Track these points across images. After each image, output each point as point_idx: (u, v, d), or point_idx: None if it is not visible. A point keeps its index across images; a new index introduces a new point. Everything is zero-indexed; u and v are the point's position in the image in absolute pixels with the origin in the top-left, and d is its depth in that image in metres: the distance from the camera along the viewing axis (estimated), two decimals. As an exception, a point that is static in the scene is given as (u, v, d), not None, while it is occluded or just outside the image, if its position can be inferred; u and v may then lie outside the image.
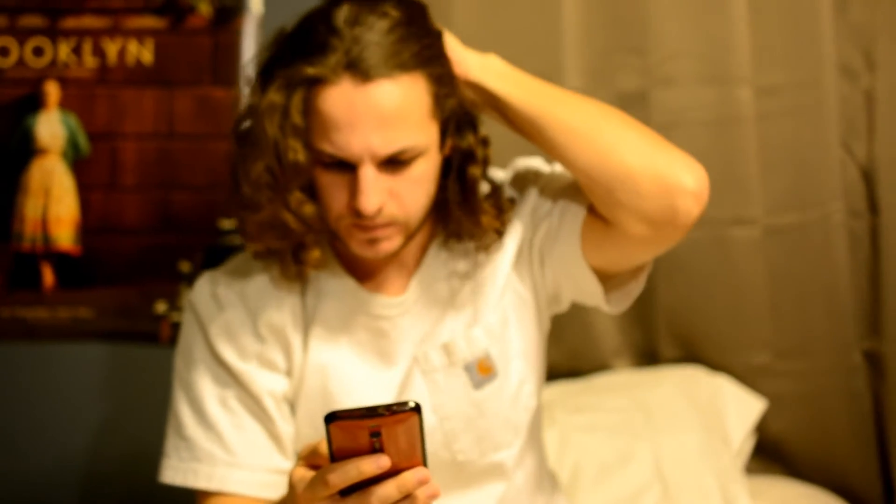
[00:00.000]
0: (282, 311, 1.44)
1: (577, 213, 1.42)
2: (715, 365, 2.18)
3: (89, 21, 2.17)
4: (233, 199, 1.37)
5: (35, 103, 2.18)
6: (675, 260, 2.14)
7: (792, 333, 2.15)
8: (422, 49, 1.30)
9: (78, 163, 2.18)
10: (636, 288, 1.47)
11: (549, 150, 1.39)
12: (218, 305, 1.45)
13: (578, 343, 2.20)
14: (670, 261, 2.14)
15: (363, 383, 1.45)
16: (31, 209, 2.18)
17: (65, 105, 2.17)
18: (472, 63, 1.40)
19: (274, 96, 1.28)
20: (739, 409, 2.12)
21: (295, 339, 1.44)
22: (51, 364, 2.24)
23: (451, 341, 1.44)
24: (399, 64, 1.27)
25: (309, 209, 1.33)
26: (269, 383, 1.44)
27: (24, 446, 2.25)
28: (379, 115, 1.27)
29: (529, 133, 1.40)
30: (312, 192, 1.35)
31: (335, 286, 1.45)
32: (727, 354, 2.18)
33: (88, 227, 2.19)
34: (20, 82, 2.18)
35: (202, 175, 2.15)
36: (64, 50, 2.17)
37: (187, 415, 1.44)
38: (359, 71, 1.25)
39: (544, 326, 1.54)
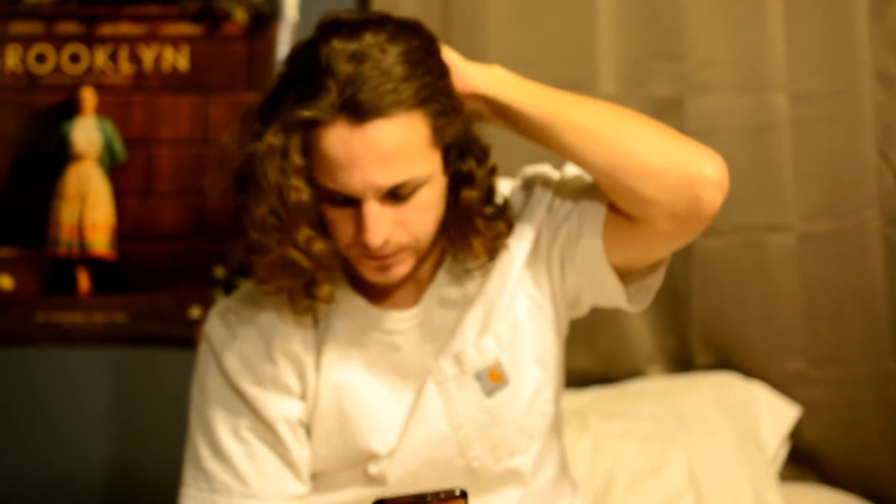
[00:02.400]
0: (294, 334, 1.45)
1: (597, 214, 1.41)
2: (749, 372, 2.18)
3: (126, 28, 2.18)
4: (240, 245, 1.37)
5: (71, 109, 2.19)
6: (710, 267, 2.14)
7: (827, 341, 2.15)
8: (420, 87, 1.28)
9: (114, 169, 2.20)
10: (656, 282, 1.47)
11: (565, 153, 1.38)
12: (231, 333, 1.45)
13: (612, 349, 2.19)
14: (705, 267, 2.14)
15: (378, 400, 1.46)
16: (67, 215, 2.20)
17: (101, 111, 2.19)
18: (476, 76, 1.40)
19: (272, 139, 1.28)
20: (773, 416, 2.12)
21: (308, 361, 1.45)
22: (85, 369, 2.26)
23: (461, 351, 1.45)
24: (395, 102, 1.26)
25: (319, 245, 1.34)
26: (283, 409, 1.44)
27: (57, 450, 2.26)
28: (377, 154, 1.26)
29: (542, 138, 1.39)
30: (321, 226, 1.35)
31: (346, 305, 1.45)
32: (761, 361, 2.17)
33: (124, 232, 2.20)
34: (57, 89, 2.19)
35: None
36: (100, 57, 2.18)
37: (203, 447, 1.45)
38: (354, 112, 1.25)
39: (563, 331, 1.53)
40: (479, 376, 1.45)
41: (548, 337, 1.49)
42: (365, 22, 1.30)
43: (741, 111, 2.12)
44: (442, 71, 1.34)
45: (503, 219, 1.43)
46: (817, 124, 2.10)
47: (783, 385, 2.16)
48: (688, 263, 2.15)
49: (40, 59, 2.19)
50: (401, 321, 1.45)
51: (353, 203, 1.30)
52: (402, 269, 1.36)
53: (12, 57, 2.19)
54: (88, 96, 2.19)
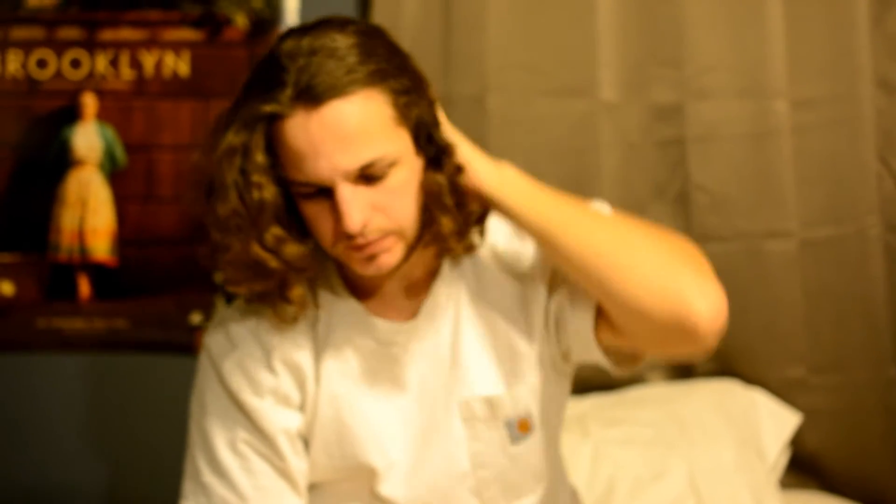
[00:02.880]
0: (294, 343, 1.43)
1: (588, 307, 1.40)
2: (750, 378, 2.17)
3: (127, 33, 2.18)
4: (208, 246, 1.36)
5: (72, 115, 2.20)
6: (710, 273, 2.13)
7: (827, 347, 2.15)
8: (376, 68, 1.28)
9: (114, 174, 2.20)
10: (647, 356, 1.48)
11: (559, 265, 1.39)
12: (230, 344, 1.44)
13: (613, 356, 2.19)
14: (705, 274, 2.13)
15: (378, 413, 1.45)
16: (67, 220, 2.20)
17: (102, 117, 2.19)
18: (486, 176, 1.37)
19: (232, 139, 1.28)
20: (774, 422, 2.12)
21: (308, 371, 1.44)
22: (86, 375, 2.26)
23: (496, 396, 1.44)
24: (349, 83, 1.26)
25: (291, 248, 1.32)
26: (282, 421, 1.43)
27: (57, 456, 2.26)
28: (338, 135, 1.26)
29: (539, 243, 1.39)
30: (301, 229, 1.34)
31: (345, 315, 1.44)
32: (762, 368, 2.17)
33: (125, 238, 2.21)
34: (58, 94, 2.20)
35: (238, 187, 2.16)
36: (101, 62, 2.19)
37: (201, 460, 1.44)
38: (309, 97, 1.25)
39: (568, 380, 1.54)
40: (509, 424, 1.45)
41: (564, 387, 1.51)
42: (320, 23, 1.30)
43: (742, 117, 2.12)
44: (401, 59, 1.33)
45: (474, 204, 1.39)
46: (818, 130, 2.10)
47: (784, 392, 2.16)
48: (688, 269, 2.15)
49: (41, 64, 2.19)
50: (399, 332, 1.44)
51: (326, 193, 1.29)
52: (390, 256, 1.34)
53: (13, 62, 2.19)
54: (89, 102, 2.19)
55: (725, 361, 2.19)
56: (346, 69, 1.26)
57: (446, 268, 1.46)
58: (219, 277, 2.18)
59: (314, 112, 1.25)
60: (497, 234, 1.46)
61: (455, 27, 2.15)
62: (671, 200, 2.16)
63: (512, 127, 2.15)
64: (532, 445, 1.47)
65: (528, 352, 1.45)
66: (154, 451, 2.22)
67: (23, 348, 2.23)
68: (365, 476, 1.45)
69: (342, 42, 1.27)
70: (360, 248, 1.32)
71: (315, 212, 1.32)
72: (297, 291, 1.37)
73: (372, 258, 1.33)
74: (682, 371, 2.23)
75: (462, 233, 1.40)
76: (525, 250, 1.46)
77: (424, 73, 1.35)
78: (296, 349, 1.43)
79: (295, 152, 1.27)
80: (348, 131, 1.26)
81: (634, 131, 2.16)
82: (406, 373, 1.45)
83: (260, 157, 1.28)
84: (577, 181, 2.15)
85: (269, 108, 1.26)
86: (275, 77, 1.26)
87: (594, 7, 2.12)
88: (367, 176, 1.29)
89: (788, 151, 2.11)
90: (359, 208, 1.28)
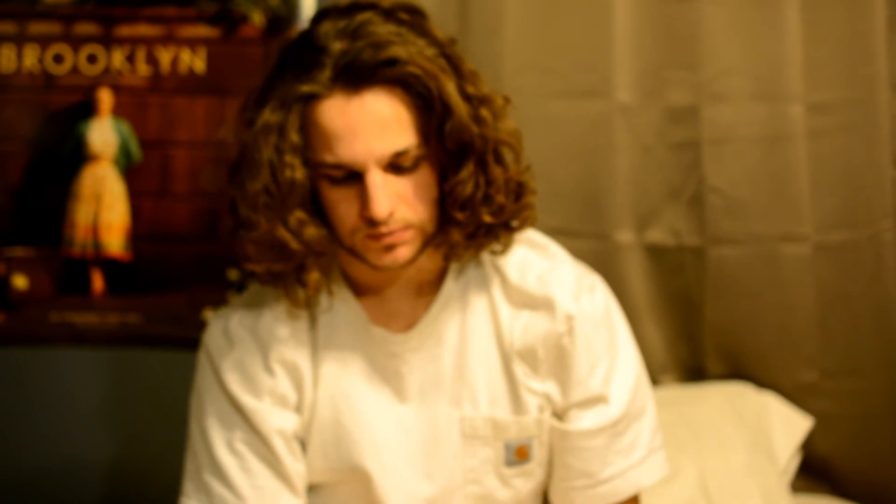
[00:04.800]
0: (292, 343, 1.43)
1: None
2: (762, 382, 2.17)
3: (143, 29, 2.19)
4: (229, 221, 1.36)
5: (88, 110, 2.20)
6: (724, 276, 2.13)
7: (840, 352, 2.14)
8: (410, 58, 1.27)
9: (129, 170, 2.20)
10: None
11: None
12: (229, 342, 1.44)
13: (625, 358, 2.19)
14: (719, 277, 2.14)
15: (375, 415, 1.45)
16: (82, 215, 2.20)
17: (117, 112, 2.20)
18: None
19: (269, 116, 1.28)
20: (786, 426, 2.11)
21: (306, 371, 1.44)
22: (98, 369, 2.26)
23: (502, 420, 1.44)
24: (387, 75, 1.26)
25: (311, 231, 1.33)
26: (279, 422, 1.43)
27: (69, 449, 2.27)
28: (376, 121, 1.27)
29: None
30: (319, 214, 1.35)
31: (346, 318, 1.44)
32: (774, 372, 2.16)
33: (138, 233, 2.21)
34: (74, 89, 2.20)
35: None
36: (117, 58, 2.19)
37: (201, 458, 1.44)
38: (350, 81, 1.26)
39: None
40: (508, 447, 1.45)
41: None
42: (359, 4, 1.30)
43: (757, 121, 2.11)
44: (441, 44, 1.33)
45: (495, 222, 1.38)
46: (833, 134, 2.10)
47: (796, 396, 2.16)
48: (702, 273, 2.15)
49: (58, 59, 2.19)
50: (400, 343, 1.43)
51: (353, 179, 1.29)
52: (407, 249, 1.34)
53: (30, 57, 2.19)
54: (105, 97, 2.19)
55: (738, 364, 2.19)
56: (386, 53, 1.25)
57: (452, 276, 1.45)
58: (233, 275, 2.19)
59: (354, 96, 1.26)
60: (511, 267, 1.45)
61: (471, 29, 2.15)
62: (685, 203, 2.15)
63: (527, 128, 2.14)
64: (525, 472, 1.47)
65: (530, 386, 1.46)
66: (165, 445, 2.22)
67: (36, 342, 2.24)
68: (361, 480, 1.45)
69: (384, 29, 1.27)
70: (380, 236, 1.32)
71: (339, 197, 1.32)
72: (314, 276, 1.37)
73: (390, 248, 1.33)
74: (694, 374, 2.23)
75: (471, 243, 1.39)
76: (543, 298, 1.44)
77: (466, 63, 1.35)
78: (294, 350, 1.43)
79: (330, 134, 1.27)
80: (386, 117, 1.27)
81: (649, 133, 2.15)
82: (406, 381, 1.44)
83: (295, 137, 1.28)
84: (591, 183, 2.16)
85: (308, 88, 1.26)
86: (313, 57, 1.27)
87: (610, 9, 2.12)
88: (397, 165, 1.29)
89: (803, 155, 2.10)
90: (387, 195, 1.29)
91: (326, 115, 1.27)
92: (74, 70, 2.20)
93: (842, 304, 2.13)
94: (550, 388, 1.45)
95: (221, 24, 2.19)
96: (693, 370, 2.23)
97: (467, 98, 1.32)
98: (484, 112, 1.33)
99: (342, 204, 1.32)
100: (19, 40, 2.19)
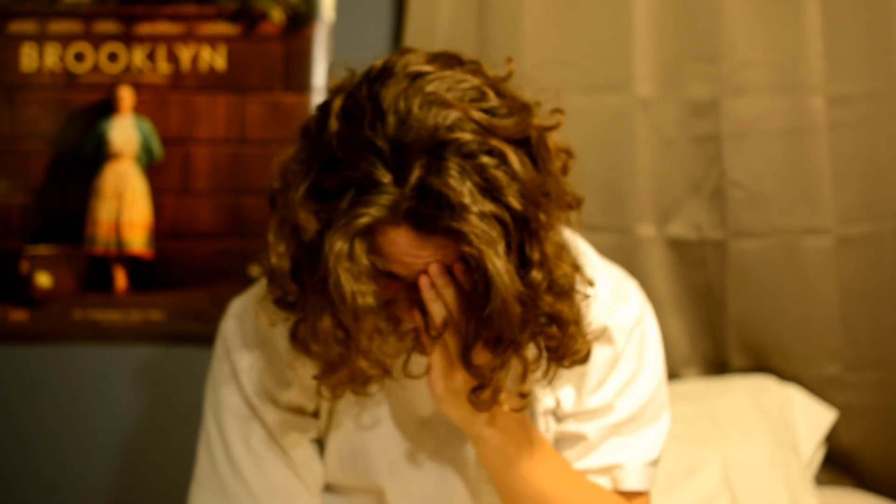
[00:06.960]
0: None
1: None
2: (785, 375, 2.17)
3: (163, 27, 2.19)
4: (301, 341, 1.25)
5: (109, 108, 2.21)
6: (746, 269, 2.13)
7: (863, 345, 2.13)
8: (471, 230, 1.11)
9: (151, 167, 2.21)
10: None
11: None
12: (245, 338, 1.42)
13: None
14: (741, 270, 2.13)
15: (391, 434, 1.44)
16: (104, 213, 2.21)
17: (138, 110, 2.20)
18: None
19: (340, 245, 1.13)
20: (809, 419, 2.11)
21: None
22: (122, 366, 2.27)
23: None
24: (447, 235, 1.13)
25: (378, 343, 1.22)
26: (296, 425, 1.43)
27: (93, 446, 2.28)
28: (442, 256, 1.17)
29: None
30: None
31: None
32: (797, 365, 2.16)
33: (161, 231, 2.22)
34: (95, 87, 2.21)
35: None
36: (138, 56, 2.20)
37: (217, 452, 1.43)
38: (421, 224, 1.13)
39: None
40: None
41: None
42: (435, 98, 1.14)
43: (778, 113, 2.10)
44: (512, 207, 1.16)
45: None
46: (855, 126, 2.09)
47: (819, 388, 2.15)
48: (723, 266, 2.14)
49: (79, 58, 2.20)
50: (417, 384, 1.36)
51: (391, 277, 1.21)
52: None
53: (51, 56, 2.20)
54: (126, 95, 2.20)
55: (760, 357, 2.18)
56: (469, 194, 1.11)
57: None
58: (255, 271, 2.19)
59: (425, 237, 1.14)
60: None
61: (490, 23, 2.15)
62: (707, 196, 2.15)
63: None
64: None
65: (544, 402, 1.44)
66: (187, 441, 2.23)
67: (59, 339, 2.25)
68: (375, 493, 1.45)
69: (461, 186, 1.11)
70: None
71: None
72: (374, 388, 1.33)
73: None
74: (717, 367, 2.22)
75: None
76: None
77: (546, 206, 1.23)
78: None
79: (388, 255, 1.17)
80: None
81: (670, 127, 2.15)
82: (424, 404, 1.43)
83: (365, 261, 1.14)
84: (612, 177, 2.15)
85: (369, 219, 1.12)
86: (372, 171, 1.11)
87: (630, 2, 2.11)
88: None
89: (825, 148, 2.09)
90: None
91: (389, 239, 1.15)
92: (95, 68, 2.20)
93: (864, 296, 2.12)
94: (564, 393, 1.43)
95: (241, 21, 2.19)
96: (716, 363, 2.22)
97: (522, 263, 1.18)
98: (535, 275, 1.18)
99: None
100: (40, 39, 2.20)
